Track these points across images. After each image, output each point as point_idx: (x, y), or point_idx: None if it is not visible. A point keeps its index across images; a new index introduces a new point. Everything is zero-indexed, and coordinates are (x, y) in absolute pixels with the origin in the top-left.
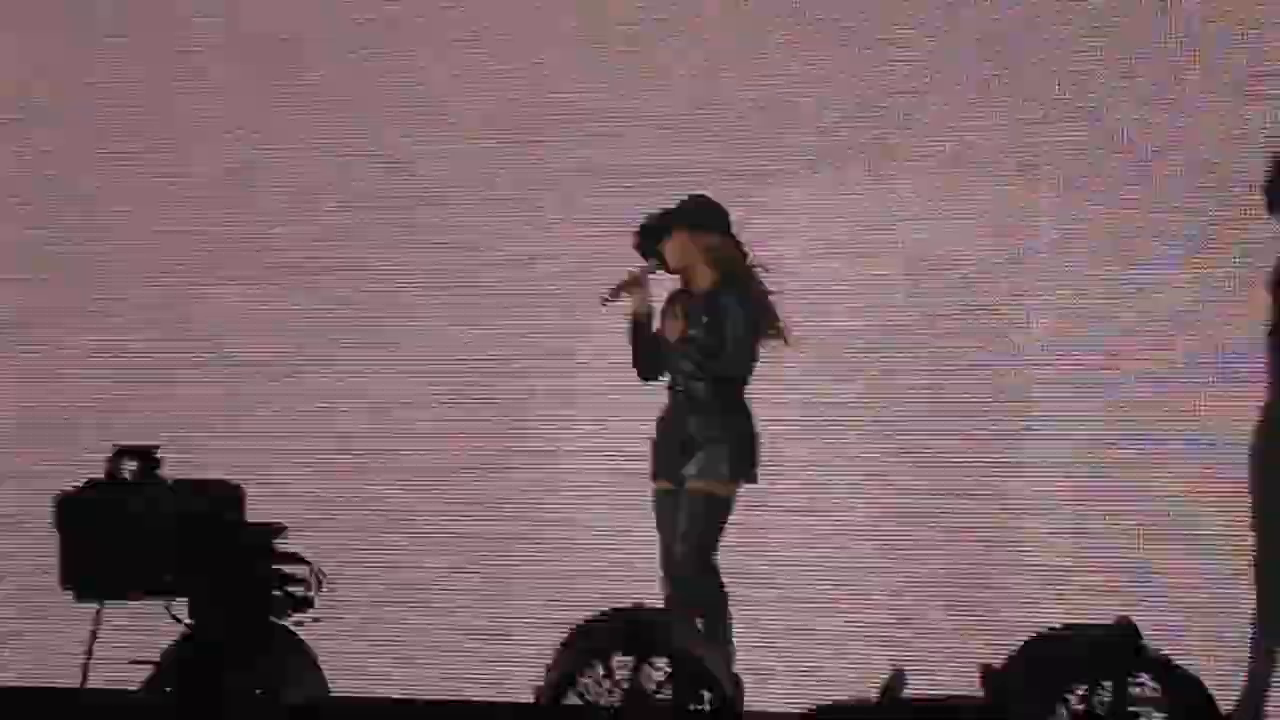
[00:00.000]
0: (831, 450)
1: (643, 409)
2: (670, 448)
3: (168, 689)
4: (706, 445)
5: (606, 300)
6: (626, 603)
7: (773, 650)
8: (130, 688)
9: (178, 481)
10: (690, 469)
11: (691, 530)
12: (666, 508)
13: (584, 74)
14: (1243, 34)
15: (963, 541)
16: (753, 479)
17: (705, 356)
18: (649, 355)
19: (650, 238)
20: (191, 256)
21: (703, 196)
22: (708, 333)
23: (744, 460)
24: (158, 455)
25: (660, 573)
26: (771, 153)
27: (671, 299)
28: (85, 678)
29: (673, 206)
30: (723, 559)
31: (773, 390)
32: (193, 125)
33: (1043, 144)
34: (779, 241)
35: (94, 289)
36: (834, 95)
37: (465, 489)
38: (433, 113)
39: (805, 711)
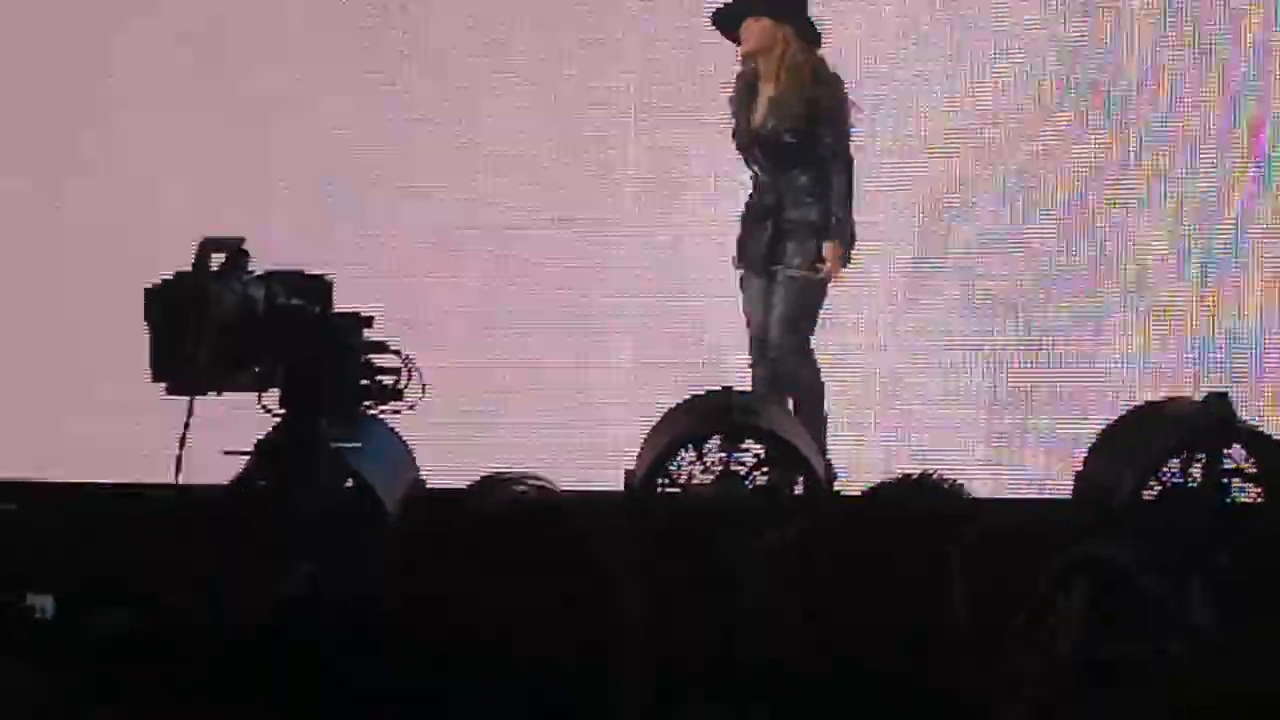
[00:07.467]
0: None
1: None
2: (759, 237)
3: (261, 480)
4: (798, 231)
5: None
6: (716, 386)
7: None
8: (222, 481)
9: (267, 272)
10: (784, 256)
11: (788, 314)
12: (756, 292)
13: None
14: None
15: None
16: (847, 259)
17: (831, 157)
18: None
19: (729, 19)
20: None
21: None
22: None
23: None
24: (245, 248)
25: (750, 357)
26: None
27: (745, 88)
28: (179, 470)
29: None
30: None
31: None
32: None
33: None
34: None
35: None
36: None
37: (554, 272)
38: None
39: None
